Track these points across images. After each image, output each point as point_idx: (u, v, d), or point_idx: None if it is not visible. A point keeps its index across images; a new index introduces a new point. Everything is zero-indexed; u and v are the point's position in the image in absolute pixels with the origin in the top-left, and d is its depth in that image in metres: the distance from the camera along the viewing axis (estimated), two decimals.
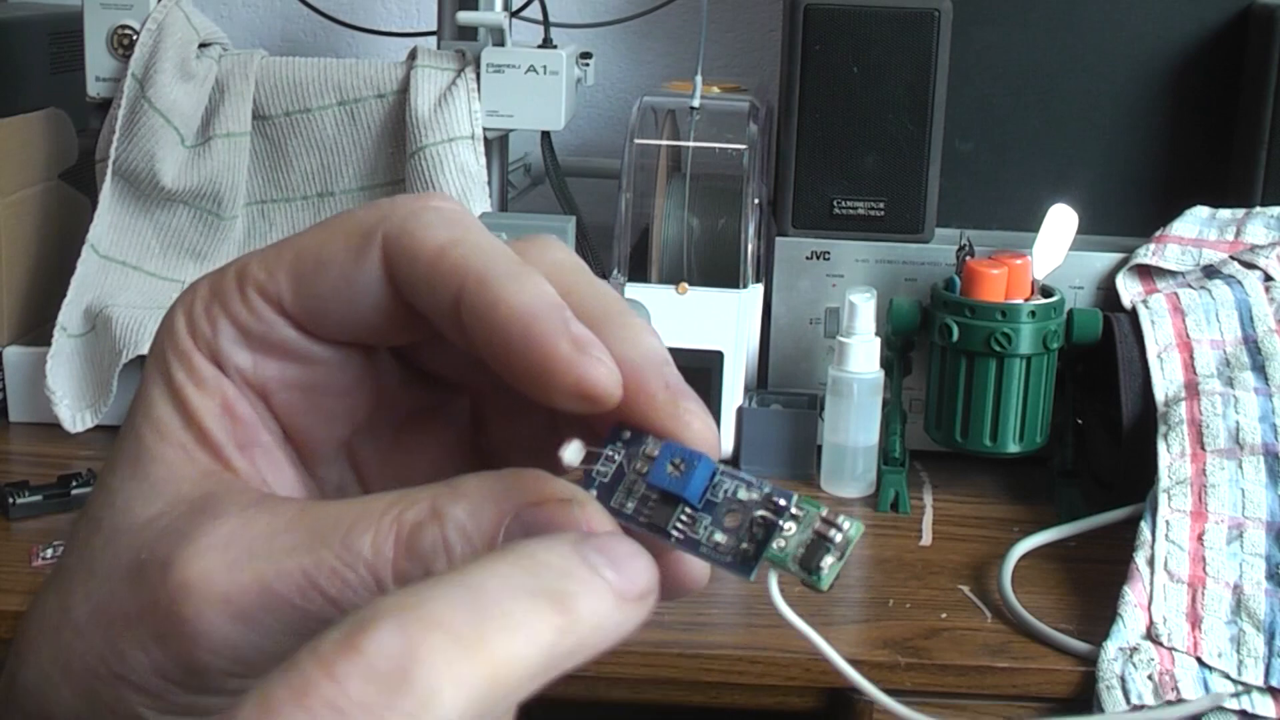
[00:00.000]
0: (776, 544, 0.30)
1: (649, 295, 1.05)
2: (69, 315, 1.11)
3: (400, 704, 0.24)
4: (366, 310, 0.31)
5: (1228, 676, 0.78)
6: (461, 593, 0.26)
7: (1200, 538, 0.86)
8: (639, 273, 1.10)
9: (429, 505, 0.29)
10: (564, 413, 0.30)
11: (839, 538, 0.29)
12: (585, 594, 0.27)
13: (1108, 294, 1.06)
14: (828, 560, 0.29)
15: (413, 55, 1.18)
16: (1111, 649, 0.79)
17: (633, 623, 0.28)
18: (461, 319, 0.30)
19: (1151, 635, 0.80)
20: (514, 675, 0.26)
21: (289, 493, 0.33)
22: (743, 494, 0.30)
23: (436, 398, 0.35)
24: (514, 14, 1.22)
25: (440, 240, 0.30)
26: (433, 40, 1.26)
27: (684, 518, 0.30)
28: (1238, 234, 1.06)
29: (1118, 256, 1.07)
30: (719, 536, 0.30)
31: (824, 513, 0.30)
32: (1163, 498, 0.89)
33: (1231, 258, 1.04)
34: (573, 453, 0.31)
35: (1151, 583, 0.84)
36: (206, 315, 0.32)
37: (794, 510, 0.30)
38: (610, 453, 0.31)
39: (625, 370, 0.30)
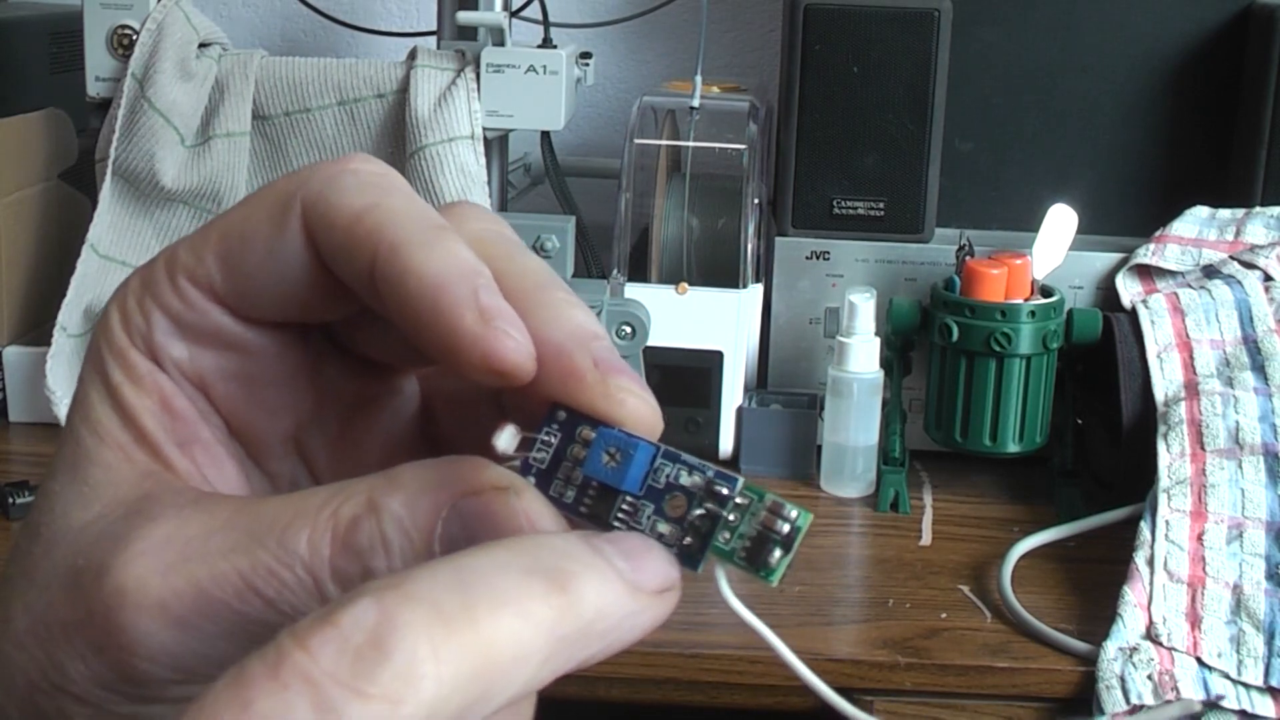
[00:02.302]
0: (721, 537, 0.28)
1: (649, 295, 1.05)
2: (69, 315, 1.11)
3: (376, 676, 0.23)
4: (294, 284, 0.30)
5: (1227, 676, 0.78)
6: (449, 571, 0.25)
7: (1200, 538, 0.86)
8: (639, 273, 1.10)
9: (365, 499, 0.28)
10: (507, 394, 0.29)
11: (786, 529, 0.28)
12: (589, 575, 0.26)
13: (1108, 294, 1.06)
14: (775, 554, 0.28)
15: (412, 55, 1.18)
16: (1111, 649, 0.79)
17: (651, 618, 0.27)
18: (377, 289, 0.29)
19: (1151, 635, 0.80)
20: (508, 656, 0.25)
21: (233, 490, 0.32)
22: (685, 479, 0.29)
23: (380, 385, 0.34)
24: (514, 14, 1.22)
25: (356, 206, 0.29)
26: (433, 40, 1.26)
27: (625, 507, 0.29)
28: (1238, 234, 1.06)
29: (1118, 256, 1.07)
30: (663, 527, 0.29)
31: (769, 502, 0.28)
32: (1162, 498, 0.89)
33: (1231, 258, 1.04)
34: (506, 439, 0.29)
35: (1151, 583, 0.84)
36: (139, 308, 0.30)
37: (738, 499, 0.28)
38: (546, 437, 0.29)
39: (550, 348, 0.28)
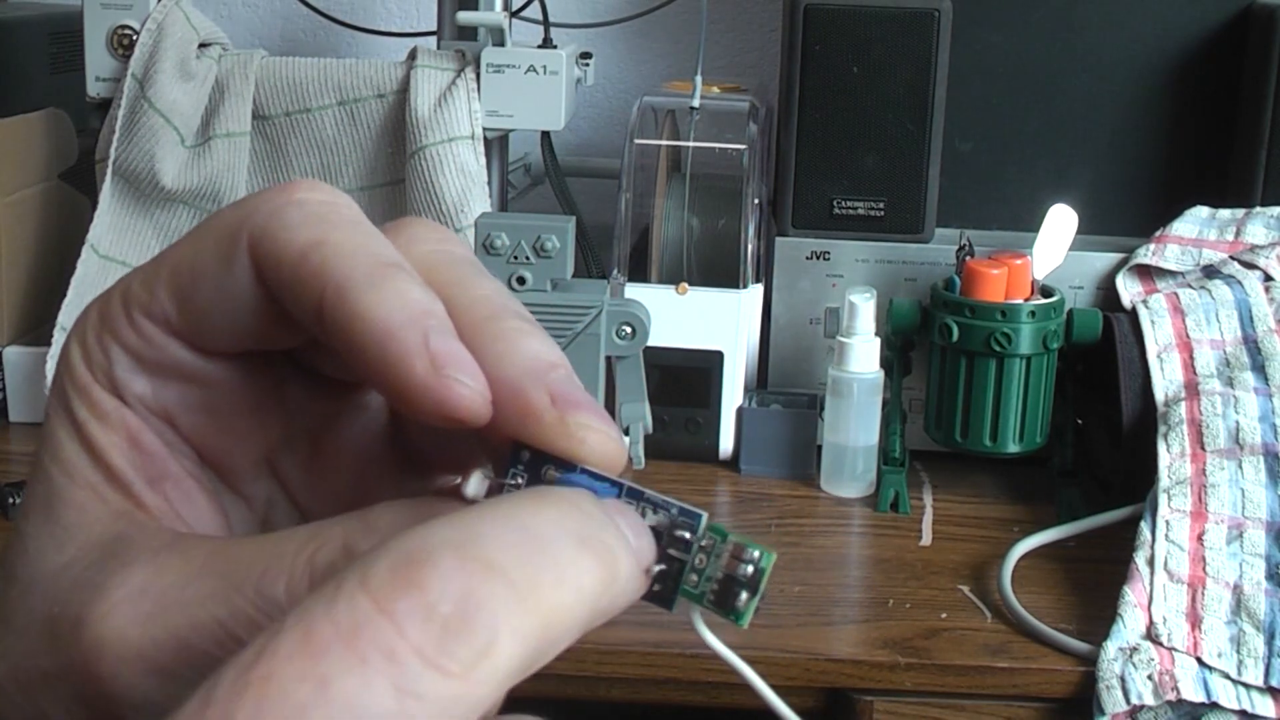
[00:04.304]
0: (689, 580, 0.29)
1: (649, 295, 1.05)
2: (69, 315, 1.11)
3: (457, 651, 0.23)
4: (247, 317, 0.30)
5: (1227, 676, 0.78)
6: (515, 533, 0.25)
7: (1200, 538, 0.86)
8: (639, 273, 1.10)
9: (340, 544, 0.27)
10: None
11: (750, 570, 0.29)
12: (625, 553, 0.26)
13: (1108, 294, 1.06)
14: (742, 598, 0.29)
15: (413, 55, 1.18)
16: (1111, 649, 0.79)
17: (636, 598, 0.28)
18: (325, 329, 0.28)
19: (1151, 635, 0.80)
20: (561, 628, 0.25)
21: (207, 524, 0.31)
22: (650, 518, 0.29)
23: (347, 402, 0.33)
24: (514, 14, 1.22)
25: (301, 243, 0.28)
26: (433, 40, 1.26)
27: None
28: (1238, 234, 1.06)
29: (1118, 256, 1.07)
30: None
31: (731, 544, 0.29)
32: (1163, 498, 0.89)
33: (1231, 258, 1.04)
34: (474, 486, 0.29)
35: (1151, 583, 0.84)
36: (99, 344, 0.30)
37: (702, 543, 0.29)
38: (513, 480, 0.29)
39: (505, 387, 0.28)
